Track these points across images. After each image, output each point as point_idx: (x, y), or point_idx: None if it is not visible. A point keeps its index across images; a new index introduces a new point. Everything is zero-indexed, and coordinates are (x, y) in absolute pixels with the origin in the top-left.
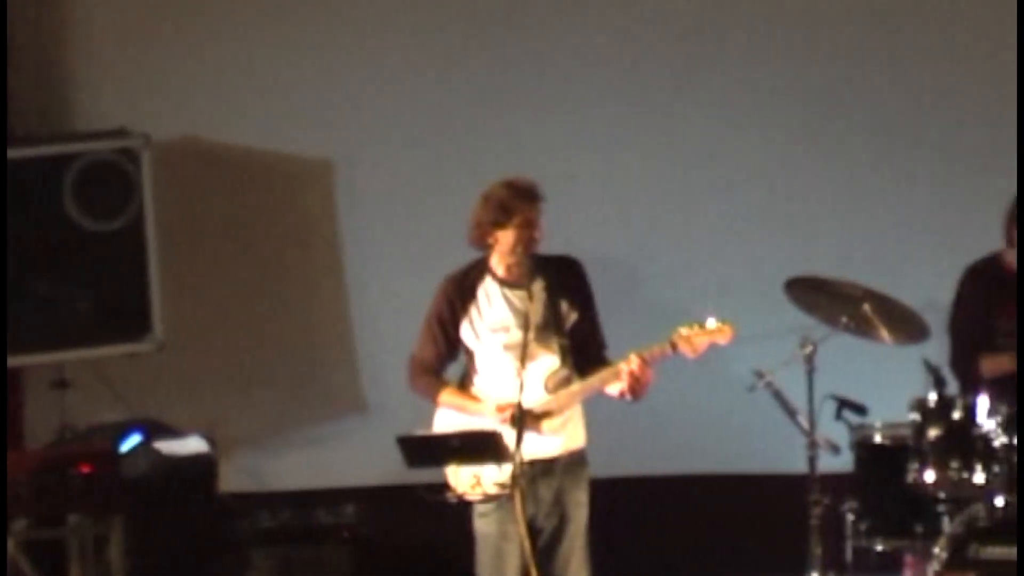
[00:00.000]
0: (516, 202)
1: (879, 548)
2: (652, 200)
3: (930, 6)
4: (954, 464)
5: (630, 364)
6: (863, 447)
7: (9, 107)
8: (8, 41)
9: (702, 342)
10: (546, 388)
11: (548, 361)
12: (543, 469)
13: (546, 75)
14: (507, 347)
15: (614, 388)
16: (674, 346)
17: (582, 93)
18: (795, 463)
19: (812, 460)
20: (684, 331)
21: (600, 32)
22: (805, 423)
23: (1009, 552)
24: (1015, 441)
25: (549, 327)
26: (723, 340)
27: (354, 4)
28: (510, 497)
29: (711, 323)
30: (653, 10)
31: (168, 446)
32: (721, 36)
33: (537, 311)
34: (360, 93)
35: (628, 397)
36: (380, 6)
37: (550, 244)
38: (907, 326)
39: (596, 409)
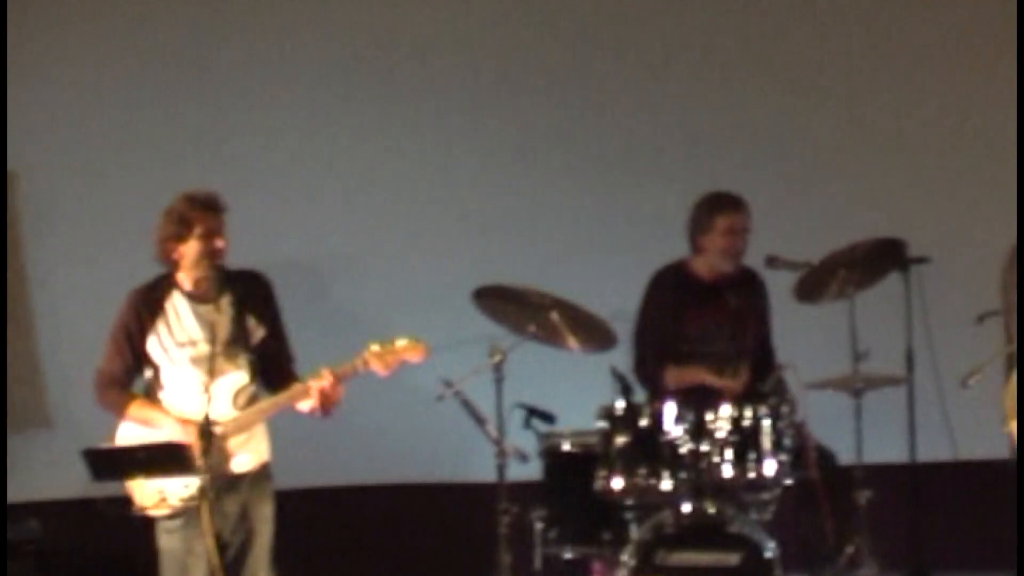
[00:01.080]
0: (195, 213)
1: (567, 556)
2: (341, 208)
3: (619, 21)
4: (641, 471)
5: (321, 381)
6: (551, 455)
7: None
8: None
9: (394, 359)
10: (234, 404)
11: (236, 377)
12: (229, 484)
13: (235, 82)
14: (194, 361)
15: (305, 404)
16: (366, 363)
17: (270, 102)
18: (484, 472)
19: (501, 469)
20: (376, 348)
21: (294, 38)
22: (494, 432)
23: (696, 558)
24: (702, 447)
25: (237, 342)
26: (415, 358)
27: (40, 13)
28: (196, 512)
29: (403, 341)
30: (351, 17)
31: None
32: (416, 43)
33: (224, 326)
34: (45, 104)
35: (319, 414)
36: (68, 13)
37: (238, 253)
38: (595, 334)
39: (283, 420)
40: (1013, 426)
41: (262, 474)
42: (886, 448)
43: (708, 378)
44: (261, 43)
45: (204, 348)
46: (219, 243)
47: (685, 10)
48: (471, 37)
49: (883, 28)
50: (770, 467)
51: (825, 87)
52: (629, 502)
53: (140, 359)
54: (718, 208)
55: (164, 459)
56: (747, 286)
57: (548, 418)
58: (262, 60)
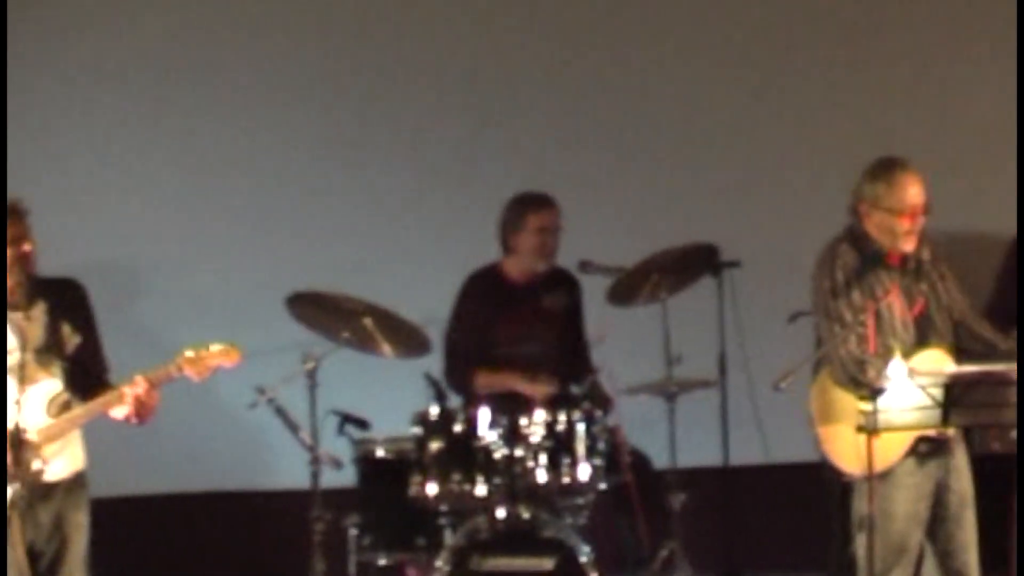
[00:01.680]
0: None
1: (382, 562)
2: (153, 211)
3: (427, 26)
4: (456, 477)
5: (135, 387)
6: (366, 461)
7: None
8: None
9: (208, 365)
10: (48, 412)
11: (49, 385)
12: (42, 493)
13: (40, 84)
14: (9, 370)
15: (119, 411)
16: (180, 368)
17: (78, 105)
18: (298, 479)
19: (315, 475)
20: (190, 353)
21: (101, 40)
22: (308, 439)
23: (510, 563)
24: (516, 453)
25: (51, 350)
26: (229, 363)
27: None
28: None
29: (216, 346)
30: (158, 21)
31: None
32: (224, 48)
33: (37, 334)
34: None
35: (134, 421)
36: None
37: (48, 257)
38: (408, 340)
39: (97, 427)
40: (821, 430)
41: (77, 482)
42: (699, 451)
43: (519, 384)
44: (70, 45)
45: (16, 356)
46: (26, 247)
47: (496, 14)
48: (279, 41)
49: (683, 35)
50: (584, 472)
51: (636, 91)
52: (443, 508)
53: None
54: (528, 206)
55: None
56: (561, 287)
57: (362, 424)
58: (68, 63)
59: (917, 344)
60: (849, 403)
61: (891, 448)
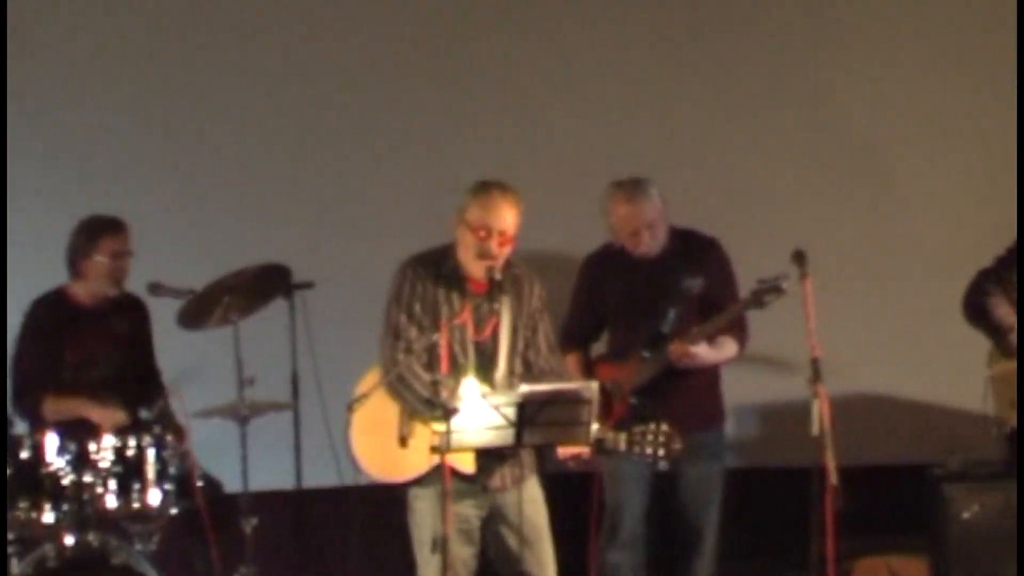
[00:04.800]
0: None
1: None
2: None
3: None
4: (23, 504)
5: None
6: None
7: None
8: None
9: None
10: None
11: None
12: None
13: None
14: None
15: None
16: None
17: None
18: None
19: None
20: None
21: None
22: None
23: None
24: (85, 479)
25: None
26: None
27: None
28: None
29: None
30: None
31: None
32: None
33: None
34: None
35: None
36: None
37: None
38: None
39: None
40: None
41: None
42: (272, 475)
43: (87, 410)
44: None
45: None
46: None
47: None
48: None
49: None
50: (155, 497)
51: (206, 115)
52: (11, 536)
53: None
54: (101, 231)
55: None
56: (130, 311)
57: None
58: None
59: (485, 366)
60: (391, 414)
61: (416, 461)
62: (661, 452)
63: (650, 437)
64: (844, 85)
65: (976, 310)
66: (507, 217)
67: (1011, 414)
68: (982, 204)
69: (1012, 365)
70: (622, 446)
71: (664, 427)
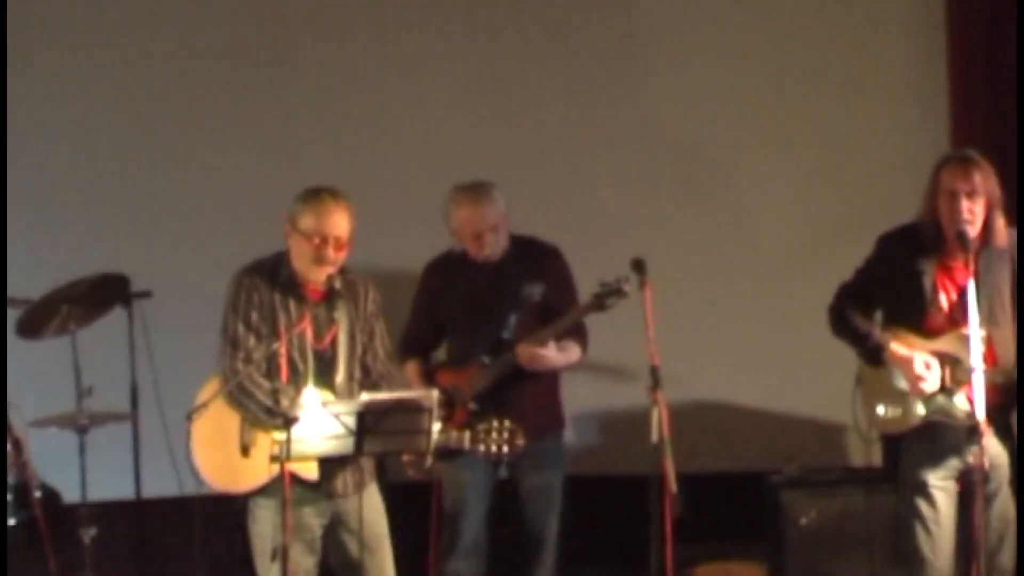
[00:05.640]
0: None
1: None
2: None
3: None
4: None
5: None
6: None
7: None
8: None
9: None
10: None
11: None
12: None
13: None
14: None
15: None
16: None
17: None
18: None
19: None
20: None
21: None
22: None
23: None
24: None
25: None
26: None
27: None
28: None
29: None
30: None
31: None
32: None
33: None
34: None
35: None
36: None
37: None
38: None
39: None
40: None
41: None
42: (111, 485)
43: None
44: None
45: None
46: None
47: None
48: None
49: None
50: None
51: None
52: None
53: None
54: None
55: None
56: None
57: None
58: None
59: (326, 374)
60: (231, 423)
61: (258, 471)
62: (505, 448)
63: (494, 435)
64: (681, 92)
65: (837, 322)
66: (341, 223)
67: (883, 420)
68: (819, 207)
69: (878, 372)
70: (466, 444)
71: (507, 423)
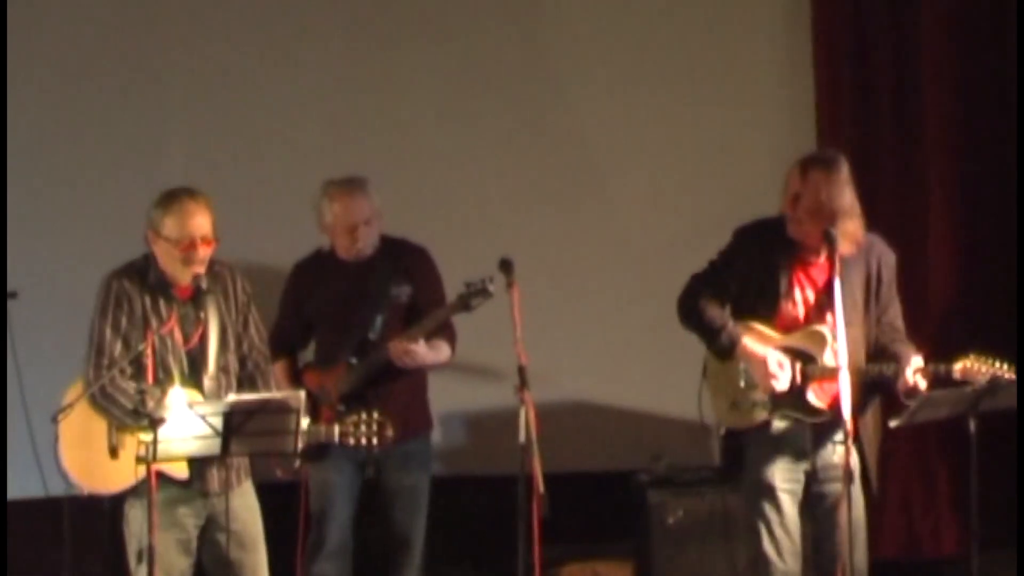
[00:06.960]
0: None
1: None
2: None
3: None
4: None
5: None
6: None
7: None
8: None
9: None
10: None
11: None
12: None
13: None
14: None
15: None
16: None
17: None
18: None
19: None
20: None
21: None
22: None
23: None
24: None
25: None
26: None
27: None
28: None
29: None
30: None
31: None
32: None
33: None
34: None
35: None
36: None
37: None
38: None
39: None
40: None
41: None
42: None
43: None
44: None
45: None
46: None
47: None
48: None
49: None
50: None
51: None
52: None
53: None
54: None
55: None
56: None
57: None
58: None
59: (195, 374)
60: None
61: (127, 471)
62: (375, 440)
63: (363, 427)
64: (552, 90)
65: (689, 312)
66: (204, 222)
67: (728, 417)
68: (689, 207)
69: (724, 367)
70: (335, 438)
71: (376, 415)
